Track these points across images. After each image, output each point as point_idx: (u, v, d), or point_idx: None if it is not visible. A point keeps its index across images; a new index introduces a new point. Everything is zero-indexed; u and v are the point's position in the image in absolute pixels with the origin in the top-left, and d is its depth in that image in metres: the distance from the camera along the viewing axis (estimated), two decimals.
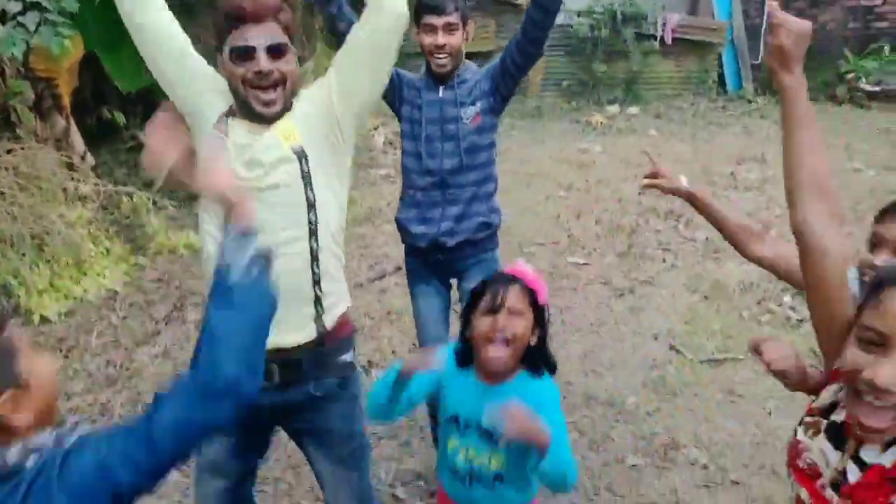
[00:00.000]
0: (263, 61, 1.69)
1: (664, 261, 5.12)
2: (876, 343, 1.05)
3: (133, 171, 6.19)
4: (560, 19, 2.90)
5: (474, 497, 1.82)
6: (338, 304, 1.92)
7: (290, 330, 1.79)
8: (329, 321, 1.88)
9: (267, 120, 1.76)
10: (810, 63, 1.49)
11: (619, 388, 3.57)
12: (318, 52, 6.72)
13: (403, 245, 2.90)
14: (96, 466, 1.11)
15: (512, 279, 1.74)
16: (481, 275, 2.72)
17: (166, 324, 4.34)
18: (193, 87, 1.83)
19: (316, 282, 1.83)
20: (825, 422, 1.20)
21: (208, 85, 1.83)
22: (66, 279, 4.42)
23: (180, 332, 4.27)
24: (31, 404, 1.15)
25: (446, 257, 2.76)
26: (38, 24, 3.89)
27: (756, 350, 1.45)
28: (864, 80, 9.56)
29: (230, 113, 1.80)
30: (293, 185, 1.77)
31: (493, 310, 1.68)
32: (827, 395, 1.23)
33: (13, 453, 1.12)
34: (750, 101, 9.84)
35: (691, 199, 2.05)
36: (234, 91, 1.76)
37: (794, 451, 1.24)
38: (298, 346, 1.83)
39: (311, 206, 1.78)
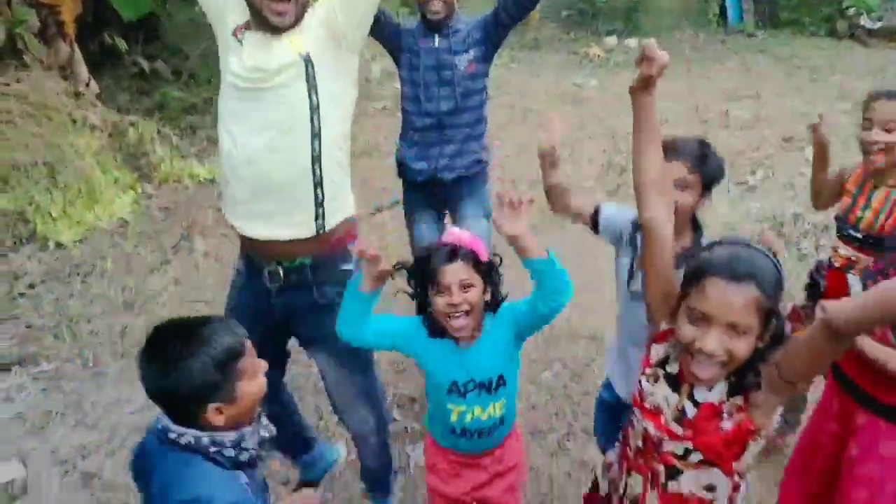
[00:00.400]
0: None
1: None
2: (701, 320, 1.37)
3: (135, 98, 6.28)
4: None
5: (482, 445, 1.98)
6: (340, 210, 2.07)
7: (288, 224, 2.00)
8: (330, 224, 2.04)
9: (279, 30, 1.94)
10: None
11: (601, 324, 3.77)
12: None
13: (402, 181, 3.16)
14: None
15: (452, 254, 1.80)
16: (474, 207, 3.04)
17: (175, 253, 4.55)
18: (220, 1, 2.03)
19: (317, 184, 1.99)
20: (662, 371, 1.52)
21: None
22: (78, 207, 4.60)
23: (189, 260, 4.49)
24: (231, 416, 1.46)
25: (442, 191, 3.05)
26: None
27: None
28: (865, 16, 9.53)
29: (246, 26, 2.00)
30: (297, 89, 1.94)
31: (446, 289, 1.79)
32: (658, 352, 1.55)
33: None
34: (750, 36, 9.83)
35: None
36: (250, 3, 1.92)
37: (640, 395, 1.55)
38: (302, 245, 2.02)
39: (314, 109, 1.95)
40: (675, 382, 1.50)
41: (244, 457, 1.48)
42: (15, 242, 4.39)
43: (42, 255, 4.40)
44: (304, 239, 2.02)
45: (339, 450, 2.81)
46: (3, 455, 2.95)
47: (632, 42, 9.34)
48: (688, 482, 1.51)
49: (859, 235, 2.33)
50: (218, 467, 1.44)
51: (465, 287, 1.79)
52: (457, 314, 1.79)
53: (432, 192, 3.06)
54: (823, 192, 2.53)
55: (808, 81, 7.66)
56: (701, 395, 1.47)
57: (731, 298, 1.34)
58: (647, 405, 1.54)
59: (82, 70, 5.41)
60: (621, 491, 1.65)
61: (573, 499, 2.72)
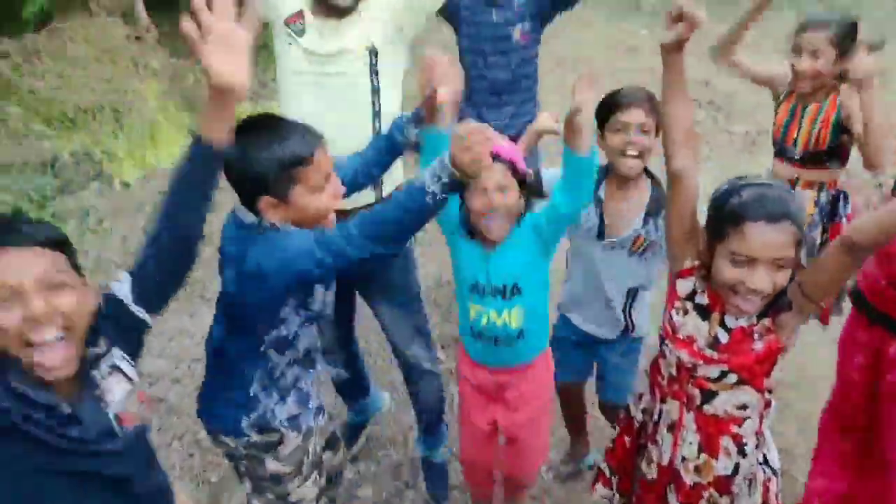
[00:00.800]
0: None
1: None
2: (745, 262, 1.48)
3: None
4: None
5: (499, 357, 2.03)
6: (393, 174, 2.23)
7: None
8: (386, 191, 2.24)
9: (340, 12, 2.09)
10: None
11: None
12: None
13: None
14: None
15: (491, 157, 1.89)
16: (528, 162, 3.16)
17: (230, 192, 4.73)
18: None
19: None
20: (690, 304, 1.65)
21: None
22: (142, 148, 4.82)
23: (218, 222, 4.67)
24: (286, 217, 1.60)
25: None
26: None
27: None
28: None
29: (299, 16, 2.13)
30: (361, 74, 2.13)
31: (483, 190, 1.84)
32: (686, 286, 1.67)
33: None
34: None
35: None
36: None
37: (671, 326, 1.67)
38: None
39: (375, 91, 2.15)
40: (704, 312, 1.62)
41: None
42: (83, 181, 4.63)
43: (108, 193, 4.64)
44: (368, 205, 2.20)
45: (385, 397, 3.02)
46: None
47: None
48: (722, 403, 1.64)
49: (797, 154, 2.59)
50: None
51: (502, 188, 1.86)
52: (494, 216, 1.87)
53: None
54: (735, 51, 2.68)
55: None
56: (731, 321, 1.60)
57: (773, 239, 1.44)
58: (679, 335, 1.66)
59: (143, 15, 5.57)
60: (656, 417, 1.77)
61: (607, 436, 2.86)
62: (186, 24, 1.19)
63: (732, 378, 1.61)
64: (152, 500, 1.44)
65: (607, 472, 2.00)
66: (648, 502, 1.83)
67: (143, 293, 1.37)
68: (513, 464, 2.24)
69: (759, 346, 1.58)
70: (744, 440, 1.67)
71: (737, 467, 1.68)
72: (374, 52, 2.12)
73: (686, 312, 1.65)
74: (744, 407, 1.65)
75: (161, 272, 1.37)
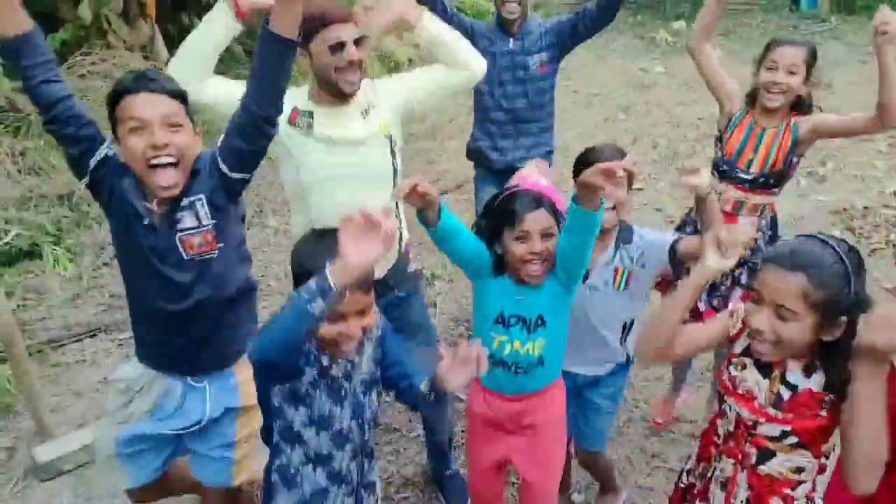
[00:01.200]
0: (353, 51, 2.07)
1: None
2: (756, 300, 1.51)
3: None
4: None
5: (515, 384, 2.02)
6: (404, 233, 2.39)
7: (384, 261, 2.23)
8: (403, 245, 2.37)
9: (347, 96, 2.14)
10: None
11: None
12: None
13: (476, 165, 3.41)
14: None
15: (536, 202, 1.84)
16: None
17: (248, 228, 4.72)
18: None
19: (399, 226, 2.28)
20: (749, 360, 1.61)
21: None
22: None
23: (261, 235, 4.67)
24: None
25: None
26: None
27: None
28: None
29: (296, 112, 2.14)
30: (383, 156, 2.22)
31: (527, 236, 1.83)
32: (740, 345, 1.65)
33: None
34: (823, 21, 9.55)
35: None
36: (325, 78, 2.10)
37: (731, 383, 1.64)
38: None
39: (395, 170, 2.25)
40: (765, 369, 1.59)
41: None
42: (99, 214, 4.61)
43: None
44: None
45: None
46: (89, 417, 3.14)
47: None
48: (778, 464, 1.59)
49: (749, 177, 2.56)
50: None
51: (546, 235, 1.83)
52: (535, 261, 1.85)
53: (506, 179, 3.16)
54: (709, 37, 2.65)
55: None
56: (798, 379, 1.55)
57: (778, 284, 1.46)
58: (739, 391, 1.61)
59: (162, 49, 5.62)
60: (709, 475, 1.71)
61: (632, 483, 2.79)
62: None
63: (793, 440, 1.56)
64: (215, 310, 1.85)
65: None
66: None
67: (226, 160, 1.75)
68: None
69: (824, 413, 1.53)
70: (795, 503, 1.62)
71: None
72: (391, 137, 2.22)
73: (744, 367, 1.62)
74: (799, 470, 1.60)
75: (239, 141, 1.71)
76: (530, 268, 1.86)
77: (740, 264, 2.64)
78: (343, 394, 1.68)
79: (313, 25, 2.04)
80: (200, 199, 1.77)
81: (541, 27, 3.09)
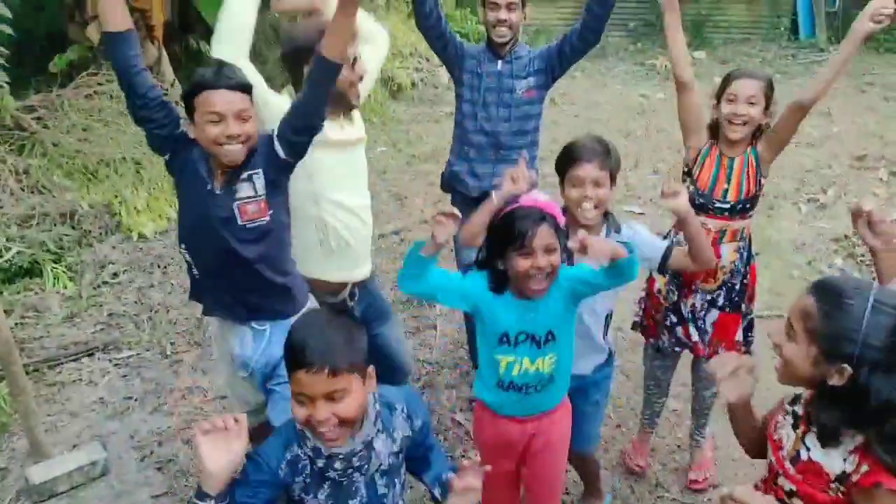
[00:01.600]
0: (359, 68, 2.38)
1: None
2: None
3: None
4: None
5: (528, 404, 2.03)
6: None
7: (365, 264, 2.64)
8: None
9: (352, 108, 2.45)
10: None
11: None
12: None
13: (452, 192, 3.25)
14: None
15: (539, 217, 1.86)
16: None
17: None
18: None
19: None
20: (791, 409, 1.58)
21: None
22: (161, 201, 4.83)
23: None
24: None
25: None
26: None
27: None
28: None
29: None
30: (364, 160, 2.57)
31: (531, 252, 1.83)
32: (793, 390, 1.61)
33: None
34: (822, 50, 9.62)
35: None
36: (341, 92, 2.31)
37: (773, 423, 1.61)
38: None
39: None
40: (795, 422, 1.56)
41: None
42: (101, 233, 4.63)
43: (126, 245, 4.63)
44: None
45: None
46: (84, 437, 3.13)
47: (699, 54, 9.25)
48: None
49: (727, 206, 2.59)
50: None
51: (549, 251, 1.85)
52: (539, 276, 1.86)
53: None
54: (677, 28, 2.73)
55: (882, 100, 7.41)
56: (812, 442, 1.49)
57: (795, 301, 1.48)
58: (775, 437, 1.59)
59: (168, 71, 5.67)
60: None
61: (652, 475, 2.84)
62: None
63: (799, 502, 1.51)
64: (267, 266, 2.12)
65: None
66: None
67: (282, 146, 2.04)
68: None
69: (832, 493, 1.45)
70: None
71: None
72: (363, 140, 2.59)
73: (786, 414, 1.59)
74: None
75: (293, 134, 2.04)
76: (533, 284, 1.87)
77: (719, 286, 2.66)
78: (354, 489, 1.63)
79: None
80: (258, 173, 2.04)
81: (530, 53, 3.05)
